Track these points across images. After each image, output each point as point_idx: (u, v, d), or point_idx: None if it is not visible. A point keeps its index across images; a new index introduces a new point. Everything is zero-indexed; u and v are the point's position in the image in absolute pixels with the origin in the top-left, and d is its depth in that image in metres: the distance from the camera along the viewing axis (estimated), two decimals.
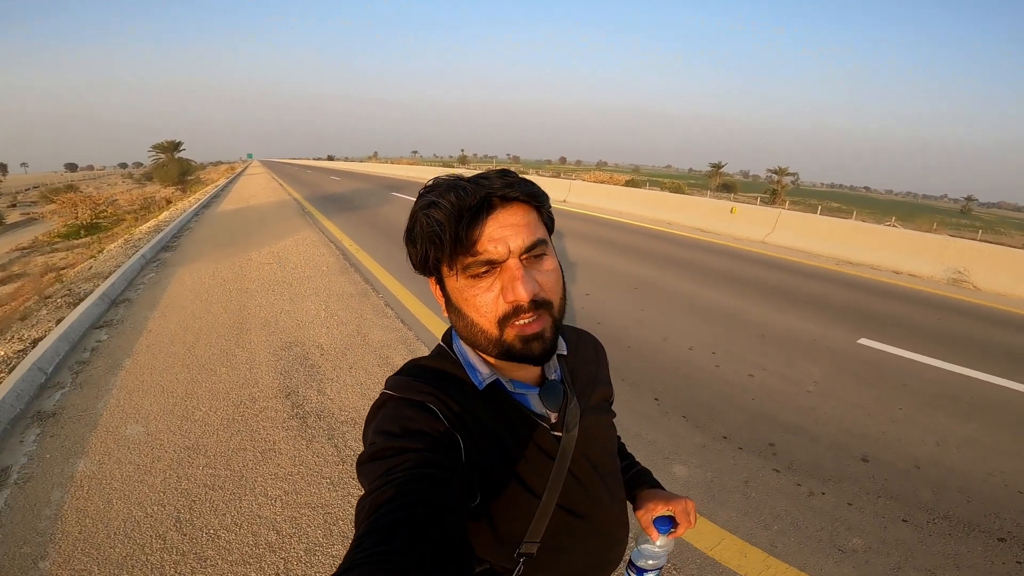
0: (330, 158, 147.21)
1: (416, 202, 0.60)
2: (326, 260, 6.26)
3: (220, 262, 6.35)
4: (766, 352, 3.93)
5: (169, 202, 18.50)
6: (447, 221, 0.54)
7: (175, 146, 40.38)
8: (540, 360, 0.58)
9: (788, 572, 1.86)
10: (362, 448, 0.57)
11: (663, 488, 0.83)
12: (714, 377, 3.43)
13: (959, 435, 2.88)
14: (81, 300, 4.64)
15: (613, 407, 0.82)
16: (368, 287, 5.06)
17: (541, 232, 0.59)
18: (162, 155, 40.02)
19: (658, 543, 0.75)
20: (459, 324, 0.61)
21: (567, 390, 0.67)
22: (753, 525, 2.08)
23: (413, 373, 0.63)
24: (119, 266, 6.08)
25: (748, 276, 6.54)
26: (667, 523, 0.75)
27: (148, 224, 10.87)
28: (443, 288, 0.61)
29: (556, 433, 0.64)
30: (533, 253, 0.56)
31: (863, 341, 4.38)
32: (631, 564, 0.77)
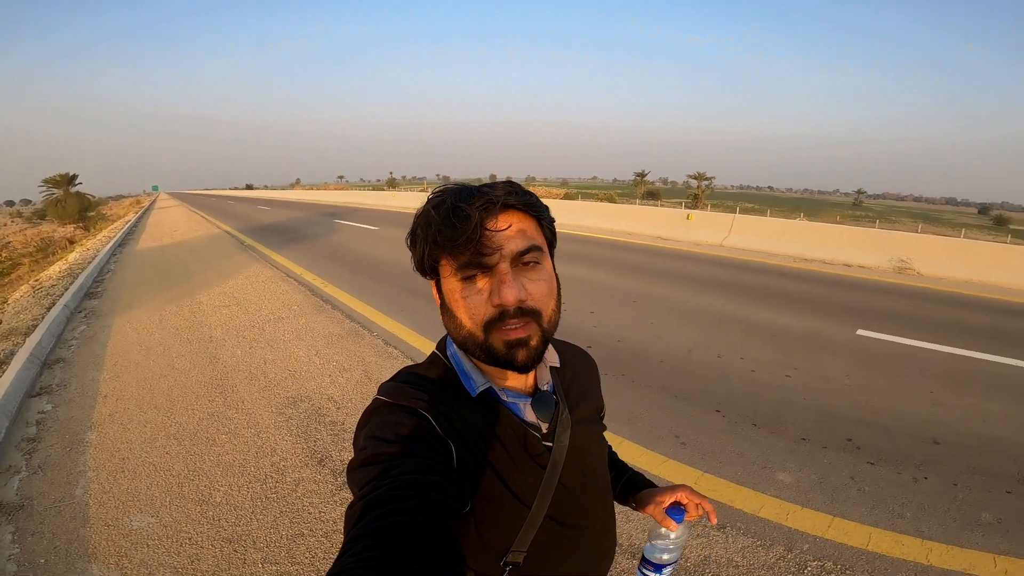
0: (249, 187, 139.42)
1: (422, 207, 0.60)
2: (293, 298, 5.65)
3: (164, 308, 5.56)
4: (787, 352, 4.03)
5: (72, 242, 16.50)
6: (446, 221, 0.55)
7: (70, 179, 36.34)
8: (523, 368, 0.58)
9: (950, 551, 1.95)
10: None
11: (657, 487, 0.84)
12: (757, 382, 3.47)
13: (995, 411, 3.15)
14: (2, 363, 3.82)
15: (605, 421, 0.83)
16: (356, 325, 4.57)
17: (538, 240, 0.59)
18: (56, 190, 35.88)
19: (675, 533, 0.75)
20: (450, 326, 0.61)
21: (559, 400, 0.67)
22: (887, 515, 2.15)
23: (406, 380, 0.63)
24: (39, 319, 5.15)
25: (731, 280, 6.67)
26: (680, 511, 0.75)
27: (56, 268, 9.51)
28: (439, 289, 0.61)
29: (547, 443, 0.64)
30: (525, 260, 0.57)
31: (861, 332, 4.56)
32: (646, 562, 0.76)
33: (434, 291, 0.64)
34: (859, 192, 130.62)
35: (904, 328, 4.69)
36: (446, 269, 0.58)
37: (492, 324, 0.56)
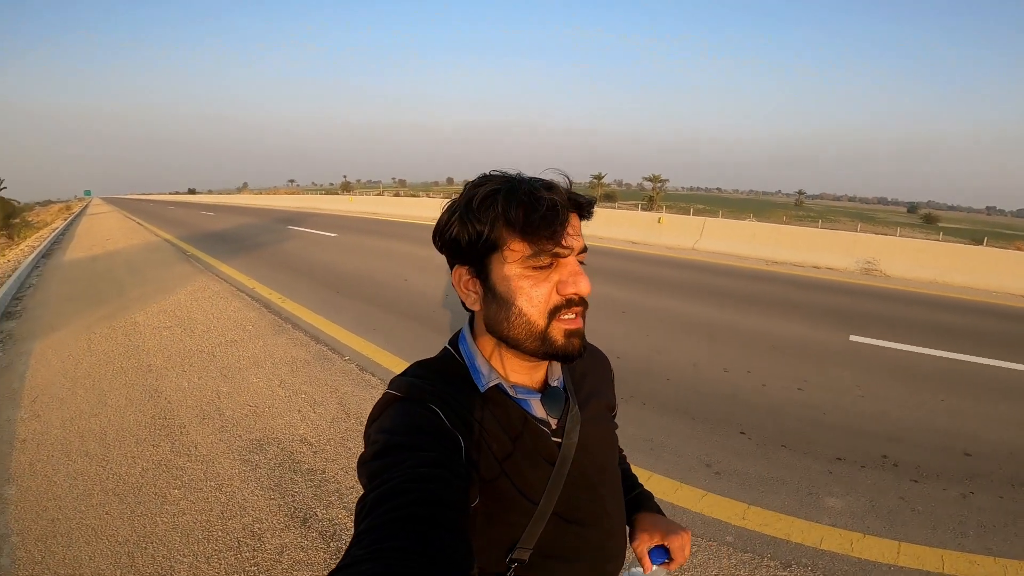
0: (191, 192, 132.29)
1: (479, 186, 0.59)
2: (246, 316, 5.04)
3: (94, 330, 4.84)
4: (790, 363, 3.90)
5: None
6: (534, 204, 0.55)
7: None
8: (577, 356, 0.59)
9: None
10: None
11: (663, 514, 0.81)
12: (772, 397, 3.30)
13: (1008, 417, 3.11)
14: None
15: (616, 421, 0.81)
16: (324, 348, 4.05)
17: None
18: None
19: (648, 575, 0.73)
20: (498, 315, 0.59)
21: (569, 397, 0.67)
22: (951, 536, 2.07)
23: (417, 374, 0.63)
24: None
25: (713, 285, 6.53)
26: (662, 555, 0.73)
27: None
28: (484, 277, 0.59)
29: (556, 439, 0.64)
30: (581, 257, 0.60)
31: (854, 338, 4.48)
32: None
33: (460, 277, 0.62)
34: (800, 193, 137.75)
35: (892, 333, 4.67)
36: (513, 254, 0.57)
37: (556, 312, 0.57)
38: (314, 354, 3.91)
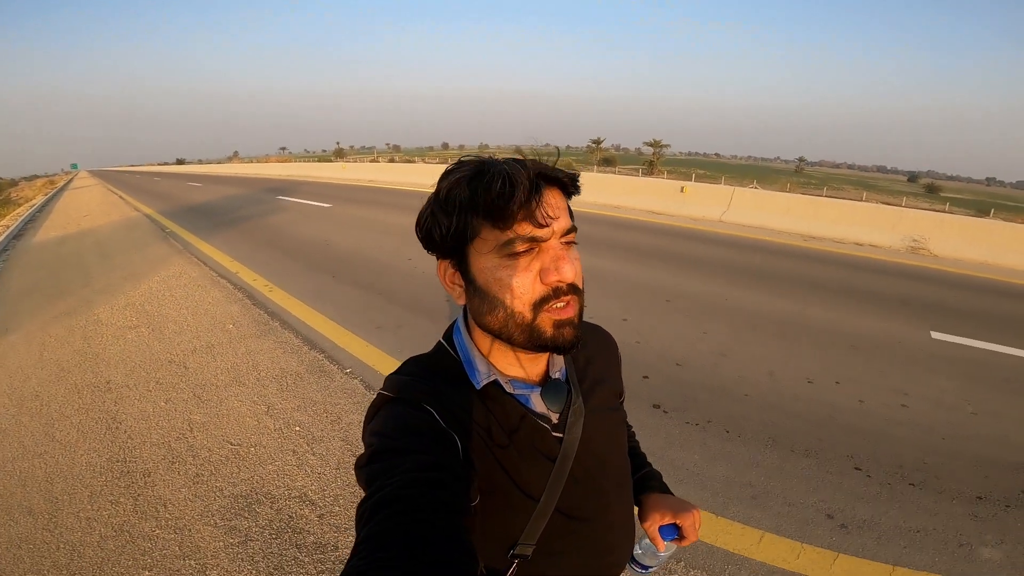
0: (180, 162, 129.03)
1: (449, 175, 0.55)
2: (227, 311, 4.30)
3: (48, 330, 4.13)
4: (879, 369, 3.29)
5: None
6: (497, 187, 0.51)
7: None
8: (569, 348, 0.55)
9: None
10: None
11: (672, 493, 0.79)
12: (875, 418, 2.73)
13: None
14: None
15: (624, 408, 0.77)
16: (320, 356, 3.32)
17: (572, 219, 0.57)
18: None
19: (663, 552, 0.74)
20: (482, 308, 0.56)
21: (571, 389, 0.64)
22: None
23: (411, 372, 0.61)
24: None
25: (755, 266, 5.79)
26: (673, 532, 0.73)
27: None
28: (465, 269, 0.57)
29: (557, 435, 0.61)
30: (567, 239, 0.55)
31: (936, 335, 3.89)
32: (633, 559, 0.77)
33: (444, 271, 0.59)
34: (800, 160, 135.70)
35: (974, 328, 4.07)
36: (484, 244, 0.54)
37: (543, 303, 0.53)
38: (308, 365, 3.19)
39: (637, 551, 0.77)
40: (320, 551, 1.80)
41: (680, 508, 0.73)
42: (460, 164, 0.56)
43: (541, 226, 0.52)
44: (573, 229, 0.56)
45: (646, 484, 0.80)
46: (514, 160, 0.55)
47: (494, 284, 0.54)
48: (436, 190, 0.57)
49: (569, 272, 0.53)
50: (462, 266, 0.57)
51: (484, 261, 0.54)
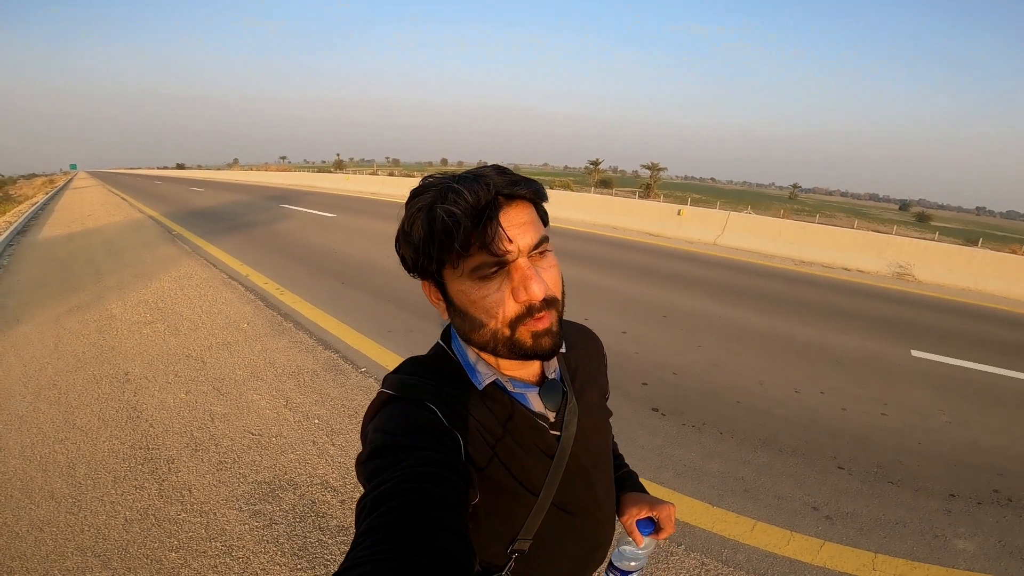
0: (180, 167, 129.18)
1: (410, 203, 0.56)
2: (241, 311, 4.45)
3: (63, 324, 4.24)
4: (860, 381, 3.51)
5: None
6: (457, 220, 0.51)
7: None
8: (549, 355, 0.57)
9: None
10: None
11: (647, 492, 0.82)
12: (857, 424, 2.92)
13: None
14: None
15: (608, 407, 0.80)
16: (334, 355, 3.48)
17: (543, 229, 0.57)
18: None
19: (641, 546, 0.75)
20: (464, 327, 0.58)
21: (566, 388, 0.66)
22: None
23: (412, 371, 0.62)
24: None
25: (750, 287, 6.03)
26: (650, 525, 0.74)
27: None
28: (444, 291, 0.58)
29: (555, 432, 0.63)
30: (538, 251, 0.55)
31: (916, 353, 4.11)
32: (612, 567, 0.76)
33: (429, 292, 0.60)
34: (794, 186, 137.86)
35: (952, 347, 4.31)
36: (455, 270, 0.55)
37: (519, 320, 0.54)
38: (323, 363, 3.34)
39: (615, 558, 0.77)
40: (344, 534, 1.91)
41: (655, 504, 0.76)
42: (424, 187, 0.56)
43: (499, 251, 0.52)
44: (543, 240, 0.56)
45: (624, 483, 0.83)
46: (476, 177, 0.53)
47: (471, 306, 0.55)
48: (402, 219, 0.57)
49: (538, 290, 0.53)
50: (440, 286, 0.58)
51: (458, 284, 0.55)
